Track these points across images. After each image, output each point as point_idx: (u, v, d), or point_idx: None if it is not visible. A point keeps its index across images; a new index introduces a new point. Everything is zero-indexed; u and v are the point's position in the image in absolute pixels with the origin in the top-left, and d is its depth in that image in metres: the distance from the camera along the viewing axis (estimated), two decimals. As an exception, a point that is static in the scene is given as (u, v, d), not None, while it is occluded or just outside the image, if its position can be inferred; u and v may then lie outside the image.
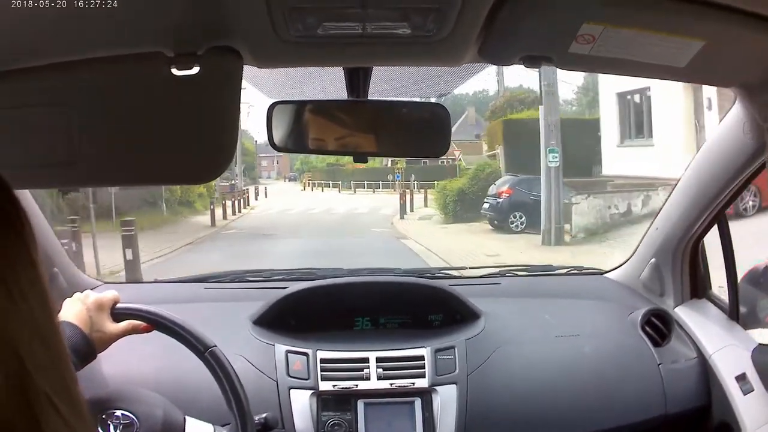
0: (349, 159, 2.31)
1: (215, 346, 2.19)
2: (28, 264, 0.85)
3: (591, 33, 1.54)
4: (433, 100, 2.68)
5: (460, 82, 2.35)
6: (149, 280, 3.29)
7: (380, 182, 50.56)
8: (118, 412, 2.03)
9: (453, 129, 2.01)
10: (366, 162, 2.01)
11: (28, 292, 0.84)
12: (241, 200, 36.39)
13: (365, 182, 53.39)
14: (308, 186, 62.35)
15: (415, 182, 42.24)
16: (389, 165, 45.00)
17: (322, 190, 56.71)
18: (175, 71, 1.58)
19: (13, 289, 0.81)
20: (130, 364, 2.49)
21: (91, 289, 2.90)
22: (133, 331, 2.19)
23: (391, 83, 2.24)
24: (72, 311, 2.11)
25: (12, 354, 0.80)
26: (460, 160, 45.82)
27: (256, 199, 44.91)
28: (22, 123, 1.68)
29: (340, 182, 56.05)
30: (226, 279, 3.29)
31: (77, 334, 2.07)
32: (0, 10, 1.34)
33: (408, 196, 30.50)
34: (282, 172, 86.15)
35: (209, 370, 2.17)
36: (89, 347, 2.08)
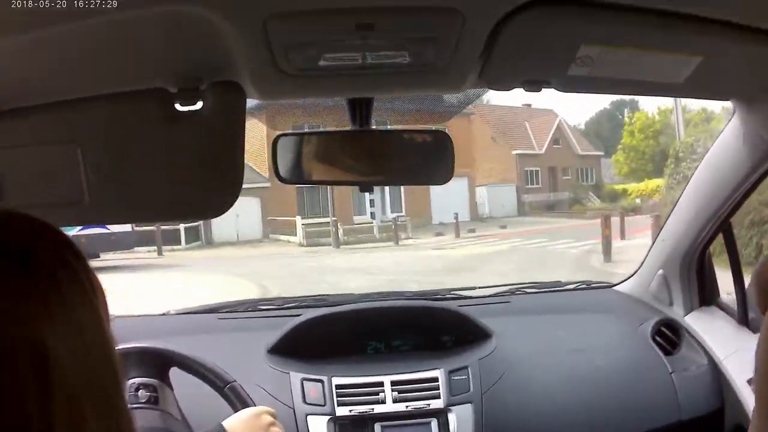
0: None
1: (234, 381, 2.22)
2: (94, 319, 0.93)
3: (589, 54, 1.55)
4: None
5: (463, 106, 2.36)
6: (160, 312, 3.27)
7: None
8: None
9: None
10: (372, 192, 2.01)
11: (92, 346, 0.90)
12: None
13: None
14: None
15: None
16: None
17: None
18: (178, 107, 1.61)
19: (77, 344, 0.88)
20: None
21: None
22: None
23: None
24: None
25: (74, 409, 0.85)
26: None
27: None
28: (31, 161, 1.70)
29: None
30: (239, 309, 3.29)
31: None
32: (7, 50, 1.36)
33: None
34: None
35: (229, 405, 2.20)
36: None
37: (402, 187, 35.34)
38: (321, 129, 2.08)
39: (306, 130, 2.06)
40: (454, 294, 3.40)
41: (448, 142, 1.99)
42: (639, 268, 3.28)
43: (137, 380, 2.28)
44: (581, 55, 1.55)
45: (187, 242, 30.84)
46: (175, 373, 2.34)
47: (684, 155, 21.95)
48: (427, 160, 2.02)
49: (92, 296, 0.93)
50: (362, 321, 2.94)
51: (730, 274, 2.83)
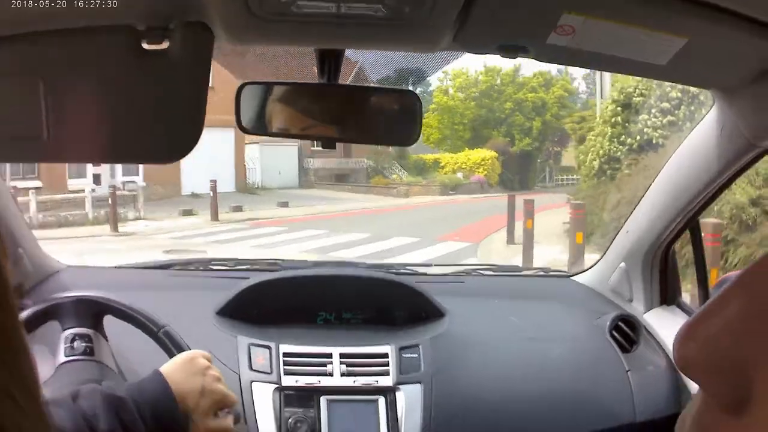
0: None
1: (168, 324, 2.20)
2: None
3: (571, 24, 1.52)
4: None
5: (434, 69, 2.33)
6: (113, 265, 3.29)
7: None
8: None
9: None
10: (334, 147, 1.98)
11: None
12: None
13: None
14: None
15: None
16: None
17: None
18: (145, 45, 1.57)
19: None
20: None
21: (58, 272, 2.89)
22: None
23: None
24: (186, 382, 1.93)
25: None
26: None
27: None
28: None
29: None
30: (190, 267, 3.28)
31: (173, 407, 1.87)
32: None
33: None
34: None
35: (164, 351, 2.18)
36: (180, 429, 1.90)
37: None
38: (287, 81, 2.02)
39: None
40: (409, 269, 3.38)
41: (417, 104, 1.97)
42: (600, 258, 3.25)
43: (73, 330, 2.25)
44: (562, 24, 1.52)
45: None
46: (110, 324, 2.31)
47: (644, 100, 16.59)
48: (394, 120, 1.99)
49: None
50: (313, 288, 2.90)
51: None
